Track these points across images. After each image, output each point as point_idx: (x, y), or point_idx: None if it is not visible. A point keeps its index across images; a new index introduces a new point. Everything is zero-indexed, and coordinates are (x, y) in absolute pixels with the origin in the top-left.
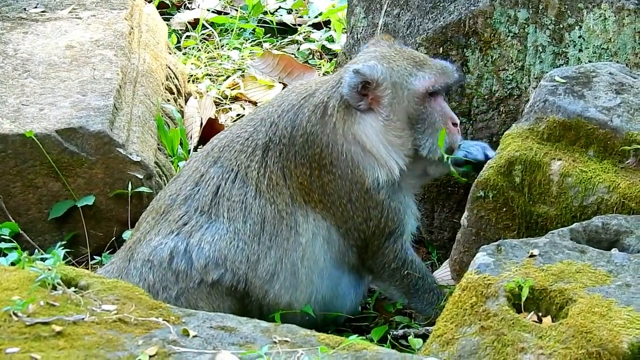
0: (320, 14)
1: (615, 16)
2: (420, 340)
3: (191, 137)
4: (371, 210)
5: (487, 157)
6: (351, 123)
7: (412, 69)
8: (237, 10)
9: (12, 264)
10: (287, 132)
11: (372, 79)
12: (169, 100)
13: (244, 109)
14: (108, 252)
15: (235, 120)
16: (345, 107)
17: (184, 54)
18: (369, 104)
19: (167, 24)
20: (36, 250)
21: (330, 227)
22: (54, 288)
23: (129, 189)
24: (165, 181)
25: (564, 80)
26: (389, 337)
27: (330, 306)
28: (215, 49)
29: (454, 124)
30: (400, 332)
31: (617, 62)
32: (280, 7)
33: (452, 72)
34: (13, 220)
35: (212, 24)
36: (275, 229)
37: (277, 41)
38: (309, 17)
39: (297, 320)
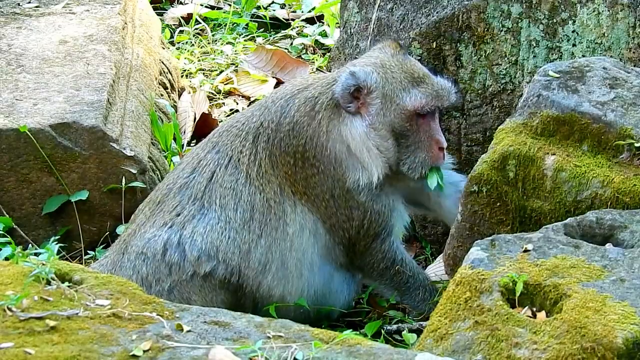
0: (314, 8)
1: (609, 11)
2: (415, 335)
3: (184, 132)
4: (353, 210)
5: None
6: (337, 122)
7: (407, 85)
8: (230, 5)
9: (6, 258)
10: (276, 118)
11: (365, 84)
12: (162, 95)
13: (237, 103)
14: (102, 247)
15: (228, 115)
16: (334, 106)
17: (178, 48)
18: (358, 108)
19: (160, 19)
20: (30, 245)
21: (317, 221)
22: (48, 283)
23: (123, 184)
24: (159, 176)
25: (557, 75)
26: (382, 332)
27: (323, 302)
28: (209, 43)
29: (440, 148)
30: (394, 327)
31: (611, 56)
32: (273, 2)
33: (449, 95)
34: (7, 215)
35: (205, 19)
36: (265, 217)
37: (271, 36)
38: (302, 12)
39: (290, 314)
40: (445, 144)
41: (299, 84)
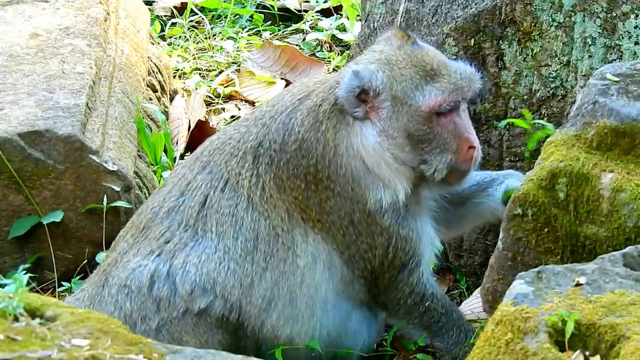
0: None
1: None
2: None
3: (177, 143)
4: (376, 236)
5: None
6: (345, 133)
7: (419, 81)
8: None
9: None
10: (279, 137)
11: (370, 86)
12: (151, 99)
13: (239, 109)
14: (78, 277)
15: (228, 123)
16: (338, 113)
17: (169, 44)
18: (366, 113)
19: (149, 9)
20: None
21: (332, 252)
22: (16, 319)
23: (104, 203)
24: (146, 194)
25: (617, 79)
26: None
27: (339, 344)
28: (206, 38)
29: (471, 147)
30: None
31: None
32: None
33: (470, 84)
34: None
35: (202, 9)
36: (271, 247)
37: (279, 30)
38: (316, 2)
39: (299, 358)
40: (475, 143)
41: (298, 92)
